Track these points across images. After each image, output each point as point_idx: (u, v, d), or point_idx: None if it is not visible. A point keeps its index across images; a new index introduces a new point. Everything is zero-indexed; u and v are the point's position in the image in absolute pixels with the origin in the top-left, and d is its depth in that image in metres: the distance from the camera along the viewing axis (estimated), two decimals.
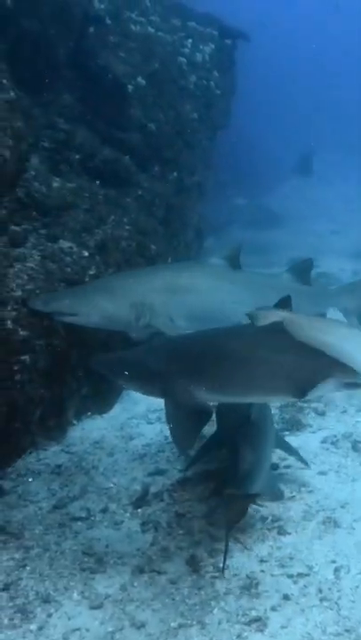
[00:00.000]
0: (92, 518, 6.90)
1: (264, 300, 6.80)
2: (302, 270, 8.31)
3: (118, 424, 8.83)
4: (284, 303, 5.98)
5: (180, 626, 5.45)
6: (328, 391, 6.06)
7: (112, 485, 7.47)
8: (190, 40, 13.05)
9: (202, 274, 7.87)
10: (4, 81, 7.93)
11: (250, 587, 5.80)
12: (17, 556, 6.36)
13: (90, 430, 8.69)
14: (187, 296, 7.48)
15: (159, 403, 8.71)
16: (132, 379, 6.44)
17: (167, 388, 6.14)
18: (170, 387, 6.12)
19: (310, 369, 5.80)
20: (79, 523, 6.84)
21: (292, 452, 7.65)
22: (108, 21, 11.32)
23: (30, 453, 8.13)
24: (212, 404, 6.37)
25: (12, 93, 8.14)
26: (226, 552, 5.89)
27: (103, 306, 7.19)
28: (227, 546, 5.89)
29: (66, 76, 10.87)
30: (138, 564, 6.16)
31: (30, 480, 7.61)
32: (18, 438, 7.81)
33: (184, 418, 5.97)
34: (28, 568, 6.18)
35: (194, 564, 6.09)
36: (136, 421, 8.91)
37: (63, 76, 10.80)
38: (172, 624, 5.47)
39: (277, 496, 7.00)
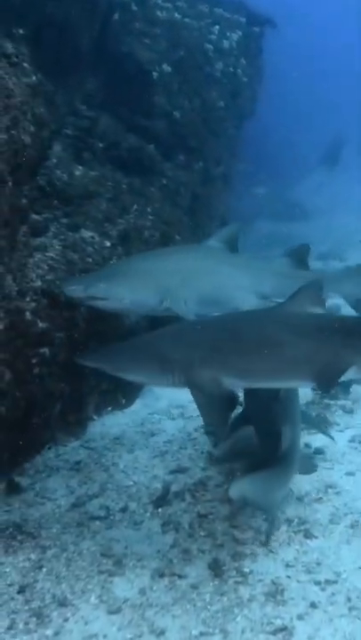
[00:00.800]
0: (112, 517, 6.66)
1: (263, 285, 7.34)
2: (300, 255, 8.07)
3: (139, 420, 8.59)
4: (313, 287, 6.09)
5: (202, 634, 5.18)
6: (351, 376, 5.95)
7: (132, 483, 7.23)
8: (217, 27, 12.76)
9: (207, 257, 7.66)
10: (26, 64, 7.68)
11: (275, 593, 5.52)
12: (33, 556, 6.13)
13: (110, 426, 8.46)
14: (197, 279, 7.23)
15: (181, 398, 8.67)
16: (140, 369, 6.08)
17: (192, 377, 5.82)
18: (195, 376, 5.81)
19: (334, 354, 5.80)
20: (98, 522, 6.60)
21: (318, 427, 7.75)
22: (134, 7, 11.11)
23: (49, 449, 7.92)
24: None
25: (34, 77, 7.89)
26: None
27: (135, 289, 6.91)
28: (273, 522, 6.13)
29: (90, 63, 10.61)
30: (158, 567, 5.91)
31: (49, 477, 7.38)
32: (37, 433, 7.62)
33: (215, 406, 5.77)
34: (44, 569, 5.95)
35: (216, 569, 5.82)
36: (158, 417, 8.67)
37: (87, 63, 10.57)
38: (194, 632, 5.20)
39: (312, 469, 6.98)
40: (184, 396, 8.73)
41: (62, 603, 5.55)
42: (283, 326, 5.97)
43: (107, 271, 7.34)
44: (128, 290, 6.78)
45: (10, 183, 6.61)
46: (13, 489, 7.13)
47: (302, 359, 5.87)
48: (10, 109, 6.30)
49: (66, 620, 5.40)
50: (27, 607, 5.53)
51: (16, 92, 6.52)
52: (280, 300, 6.59)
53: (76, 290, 6.79)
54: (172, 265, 7.25)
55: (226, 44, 12.40)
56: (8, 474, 7.30)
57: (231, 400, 5.79)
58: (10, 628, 5.33)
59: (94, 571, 5.91)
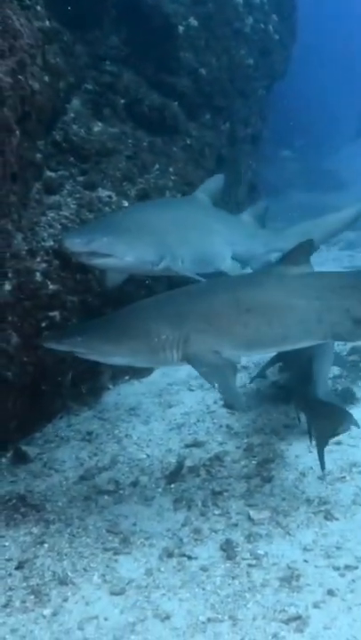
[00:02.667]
0: (121, 492, 6.27)
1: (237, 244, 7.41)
2: (259, 213, 8.06)
3: (157, 390, 8.17)
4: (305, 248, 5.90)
5: (210, 620, 4.76)
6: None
7: (145, 456, 6.83)
8: None
9: (198, 213, 7.31)
10: (39, 8, 7.24)
11: (290, 578, 5.08)
12: (35, 530, 5.76)
13: (126, 396, 8.06)
14: (191, 237, 6.81)
15: None
16: (127, 349, 5.58)
17: (191, 353, 5.47)
18: (192, 350, 5.47)
19: (341, 310, 5.74)
20: (106, 496, 6.21)
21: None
22: None
23: (61, 418, 7.58)
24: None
25: (48, 23, 7.44)
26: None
27: (137, 247, 6.30)
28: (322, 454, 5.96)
29: (113, 16, 10.09)
30: (167, 547, 5.49)
31: (58, 447, 7.01)
32: (47, 401, 7.28)
33: (222, 377, 5.46)
34: (45, 545, 5.57)
35: (229, 550, 5.39)
36: (176, 388, 8.25)
37: (110, 15, 10.04)
38: (201, 617, 4.78)
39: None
40: None
41: (63, 581, 5.18)
42: (286, 289, 5.81)
43: (108, 225, 6.53)
44: (131, 247, 6.18)
45: (17, 132, 6.16)
46: (20, 458, 6.81)
47: (310, 320, 5.72)
48: (16, 51, 5.85)
49: (65, 599, 5.02)
50: (25, 584, 5.17)
51: (24, 33, 6.06)
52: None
53: (78, 243, 6.02)
54: (169, 221, 6.73)
55: None
56: (15, 443, 6.95)
57: (233, 367, 5.58)
58: (5, 605, 4.97)
59: (99, 548, 5.52)
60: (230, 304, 5.68)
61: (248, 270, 7.86)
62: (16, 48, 5.88)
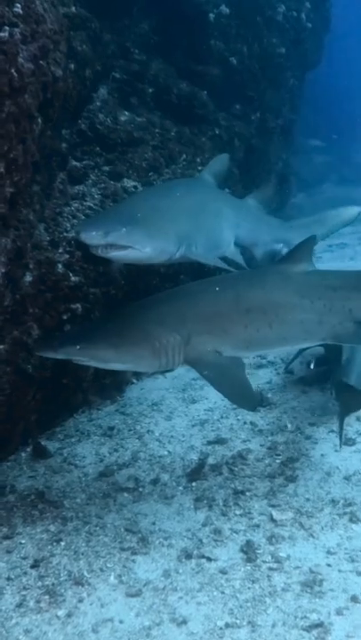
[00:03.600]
0: (141, 490, 6.13)
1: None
2: (265, 197, 7.80)
3: (181, 385, 8.02)
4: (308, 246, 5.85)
5: (228, 625, 4.60)
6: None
7: (166, 453, 6.68)
8: None
9: (208, 196, 7.03)
10: None
11: (313, 583, 4.90)
12: (52, 528, 5.64)
13: (149, 390, 7.92)
14: (202, 222, 6.54)
15: None
16: (128, 355, 5.43)
17: (193, 356, 5.37)
18: (195, 355, 5.37)
19: (341, 312, 5.67)
20: (125, 494, 6.07)
21: None
22: None
23: (82, 412, 7.47)
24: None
25: (74, 8, 7.28)
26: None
27: (156, 237, 5.93)
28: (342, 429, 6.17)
29: (143, 3, 9.90)
30: (186, 547, 5.34)
31: (79, 442, 6.90)
32: (67, 395, 7.16)
33: (228, 379, 5.39)
34: (62, 543, 5.45)
35: (249, 552, 5.23)
36: (201, 383, 8.05)
37: (140, 3, 9.85)
38: (219, 622, 4.63)
39: None
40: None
41: (78, 581, 5.06)
42: (287, 289, 5.70)
43: (124, 214, 6.01)
44: (150, 238, 5.82)
45: (39, 120, 6.00)
46: (40, 453, 6.69)
47: (311, 321, 5.65)
48: (38, 37, 5.68)
49: (80, 600, 4.90)
50: (40, 583, 5.06)
51: (47, 18, 5.89)
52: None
53: (95, 236, 5.61)
54: (181, 206, 6.40)
55: None
56: (36, 437, 6.83)
57: (239, 364, 5.47)
58: (19, 605, 4.87)
59: (116, 547, 5.39)
60: (231, 304, 5.58)
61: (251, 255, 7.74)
62: (39, 33, 5.70)
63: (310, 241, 5.84)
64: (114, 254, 5.72)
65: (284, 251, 7.47)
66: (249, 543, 5.30)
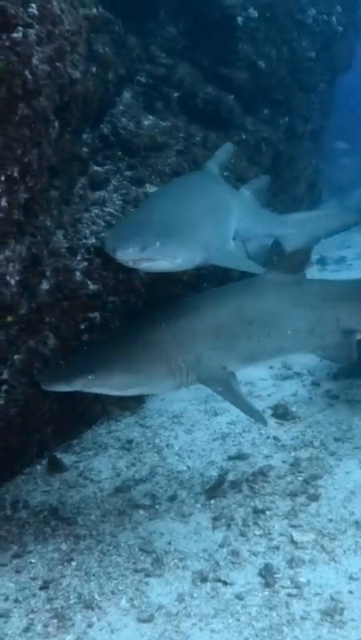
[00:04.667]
0: (157, 507, 5.92)
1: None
2: (259, 188, 7.39)
3: (203, 396, 7.77)
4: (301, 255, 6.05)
5: None
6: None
7: (185, 469, 6.48)
8: None
9: (215, 192, 6.70)
10: None
11: (333, 612, 4.65)
12: (64, 546, 5.45)
13: (170, 402, 7.70)
14: (216, 222, 6.21)
15: (252, 375, 7.85)
16: (143, 380, 5.26)
17: (205, 374, 5.30)
18: (207, 373, 5.30)
19: (330, 322, 5.88)
20: (141, 511, 5.87)
21: None
22: None
23: (101, 424, 7.28)
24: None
25: (95, 10, 7.09)
26: None
27: (186, 246, 5.58)
28: None
29: (170, 7, 9.71)
30: (201, 570, 5.13)
31: (96, 455, 6.71)
32: (85, 406, 6.99)
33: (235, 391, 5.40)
34: (73, 563, 5.26)
35: (268, 576, 5.00)
36: None
37: (167, 7, 9.66)
38: None
39: None
40: (256, 372, 8.03)
41: (88, 604, 4.87)
42: (283, 299, 5.82)
43: (152, 225, 5.57)
44: (180, 248, 5.48)
45: (56, 124, 5.82)
46: (55, 467, 6.52)
47: (304, 331, 5.79)
48: (54, 38, 5.50)
49: (90, 625, 4.71)
50: (48, 606, 4.88)
51: (64, 19, 5.71)
52: None
53: (131, 253, 5.23)
54: (199, 210, 6.05)
55: None
56: (52, 449, 6.65)
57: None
58: (26, 629, 4.69)
59: (129, 569, 5.19)
60: (235, 316, 5.56)
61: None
62: (55, 35, 5.53)
63: (303, 251, 6.04)
64: (144, 266, 5.41)
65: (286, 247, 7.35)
66: (268, 567, 5.07)
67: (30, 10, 5.32)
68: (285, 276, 5.84)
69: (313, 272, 11.89)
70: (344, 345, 6.00)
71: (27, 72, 5.16)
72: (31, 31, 5.26)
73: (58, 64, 5.58)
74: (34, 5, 5.35)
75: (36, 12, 5.36)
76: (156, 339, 5.31)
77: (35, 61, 5.24)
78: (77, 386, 5.06)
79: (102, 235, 6.72)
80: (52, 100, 5.60)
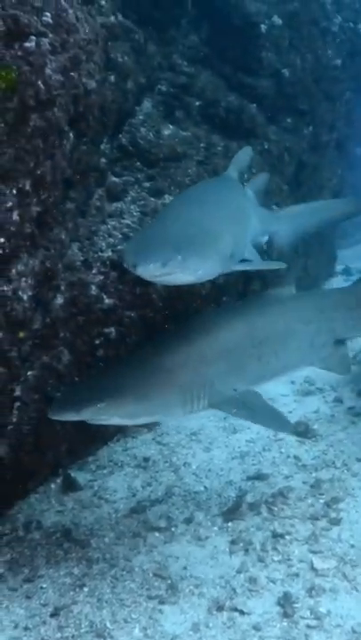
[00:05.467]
0: (173, 530, 5.74)
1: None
2: (259, 188, 7.14)
3: (222, 413, 7.54)
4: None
5: None
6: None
7: (203, 489, 6.29)
8: None
9: (234, 200, 6.39)
10: (103, 2, 6.76)
11: None
12: (76, 570, 5.29)
13: (188, 418, 7.38)
14: (236, 231, 5.83)
15: (273, 391, 7.67)
16: (156, 407, 5.08)
17: (217, 399, 5.15)
18: (220, 397, 5.16)
19: (327, 333, 5.91)
20: (157, 534, 5.70)
21: None
22: None
23: (117, 441, 7.10)
24: None
25: (113, 18, 6.95)
26: None
27: (208, 257, 5.22)
28: None
29: (193, 15, 9.55)
30: (217, 598, 4.94)
31: (111, 473, 6.54)
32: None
33: (259, 409, 5.27)
34: (85, 589, 5.09)
35: (286, 606, 4.79)
36: None
37: (189, 15, 9.50)
38: None
39: None
40: (278, 388, 7.83)
41: (100, 633, 4.71)
42: (287, 315, 5.83)
43: (173, 238, 5.22)
44: (202, 260, 5.13)
45: (71, 135, 5.68)
46: (69, 486, 6.37)
47: (306, 346, 5.83)
48: (69, 47, 5.35)
49: None
50: (59, 635, 4.74)
51: (80, 28, 5.57)
52: None
53: (153, 268, 4.91)
54: (220, 219, 5.71)
55: None
56: (66, 467, 6.49)
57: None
58: None
59: (143, 595, 5.01)
60: (246, 338, 5.48)
61: None
62: (70, 44, 5.38)
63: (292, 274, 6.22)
64: (165, 279, 5.11)
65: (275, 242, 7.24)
66: (286, 595, 4.87)
67: (44, 18, 5.19)
68: (282, 291, 5.93)
69: (338, 282, 11.84)
70: (339, 354, 6.01)
71: (39, 82, 5.03)
72: (45, 40, 5.13)
73: (72, 74, 5.44)
74: (48, 14, 5.23)
75: (51, 21, 5.24)
76: (167, 364, 5.13)
77: (48, 71, 5.11)
78: (87, 415, 4.85)
79: (121, 248, 6.55)
80: (67, 110, 5.46)
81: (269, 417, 5.30)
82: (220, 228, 5.47)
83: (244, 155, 6.81)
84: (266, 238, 6.99)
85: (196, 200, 6.05)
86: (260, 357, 5.43)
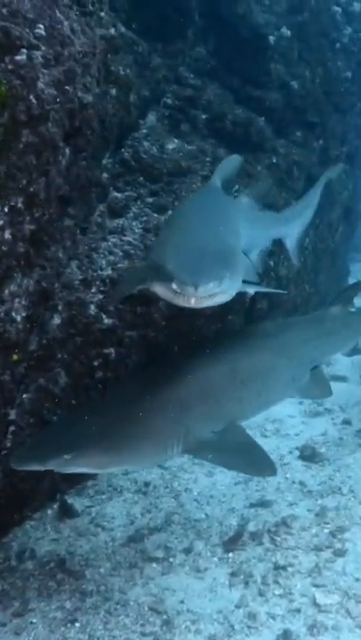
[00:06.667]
0: (171, 560, 5.52)
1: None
2: (259, 193, 6.90)
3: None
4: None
5: None
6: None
7: (203, 517, 6.07)
8: None
9: (229, 214, 5.85)
10: (103, 14, 6.56)
11: None
12: (69, 604, 5.06)
13: None
14: (238, 248, 5.36)
15: (280, 412, 7.45)
16: (128, 456, 4.75)
17: (194, 446, 4.85)
18: (196, 443, 4.86)
19: (306, 364, 5.82)
20: (154, 564, 5.48)
21: None
22: None
23: None
24: None
25: (113, 30, 6.76)
26: None
27: (237, 277, 4.80)
28: None
29: (199, 27, 9.40)
30: (215, 635, 4.72)
31: (110, 500, 6.31)
32: None
33: (237, 451, 4.99)
34: (77, 625, 4.86)
35: None
36: (250, 433, 7.38)
37: (196, 26, 9.35)
38: None
39: None
40: (285, 409, 7.61)
41: None
42: (270, 352, 5.66)
43: (215, 253, 4.72)
44: (234, 280, 4.71)
45: (67, 151, 5.50)
46: (66, 512, 6.14)
47: (288, 380, 5.68)
48: (63, 60, 5.17)
49: None
50: None
51: (75, 40, 5.39)
52: None
53: (212, 287, 4.40)
54: (231, 235, 5.27)
55: (357, 6, 10.80)
56: (63, 494, 6.28)
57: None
58: None
59: (136, 632, 4.79)
60: (227, 379, 5.25)
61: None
62: (64, 56, 5.20)
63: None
64: (208, 302, 4.57)
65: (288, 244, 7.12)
66: (286, 633, 4.65)
67: (37, 31, 5.02)
68: (270, 324, 5.85)
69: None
70: (318, 380, 5.88)
71: (31, 96, 4.86)
72: (37, 53, 4.96)
73: (67, 87, 5.27)
74: (41, 26, 5.06)
75: (44, 33, 5.06)
76: (140, 411, 4.79)
77: (40, 85, 4.94)
78: (52, 465, 4.52)
79: (160, 265, 5.70)
80: (62, 125, 5.29)
81: (250, 460, 4.93)
82: (234, 249, 5.14)
83: (230, 163, 6.48)
84: (270, 242, 6.78)
85: (199, 214, 5.70)
86: (240, 399, 5.21)
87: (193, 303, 4.46)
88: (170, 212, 7.08)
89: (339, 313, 6.40)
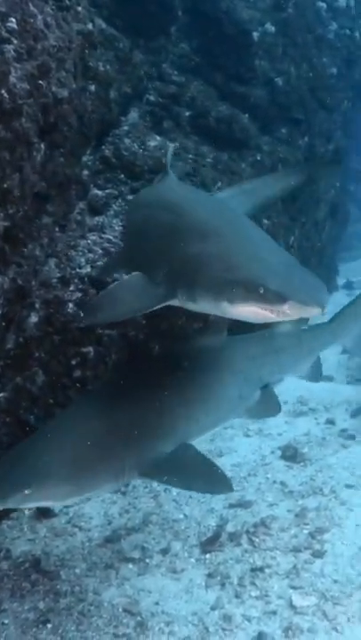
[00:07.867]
0: (148, 561, 5.45)
1: None
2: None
3: (209, 434, 7.24)
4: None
5: None
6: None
7: (182, 517, 5.99)
8: None
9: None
10: (80, 9, 6.47)
11: None
12: (42, 605, 5.00)
13: None
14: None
15: None
16: (88, 486, 4.53)
17: (147, 470, 4.64)
18: (149, 467, 4.65)
19: (255, 382, 5.57)
20: (130, 565, 5.41)
21: None
22: None
23: None
24: None
25: (90, 25, 6.69)
26: None
27: None
28: None
29: (183, 23, 9.33)
30: (189, 637, 4.64)
31: (88, 499, 6.21)
32: None
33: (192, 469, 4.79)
34: (49, 626, 4.80)
35: None
36: (231, 432, 7.38)
37: (179, 23, 9.29)
38: None
39: None
40: None
41: None
42: (218, 368, 5.37)
43: (301, 270, 4.40)
44: None
45: (42, 146, 5.43)
46: (43, 512, 6.05)
47: (234, 397, 5.39)
48: (37, 54, 5.11)
49: None
50: None
51: (49, 34, 5.32)
52: None
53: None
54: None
55: (342, 2, 10.76)
56: None
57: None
58: None
59: (109, 633, 4.74)
60: (174, 398, 4.97)
61: None
62: (37, 51, 5.13)
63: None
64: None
65: None
66: (261, 636, 4.57)
67: (9, 24, 4.96)
68: (212, 340, 5.46)
69: (340, 297, 11.54)
70: (267, 399, 5.61)
71: (3, 91, 4.78)
72: (9, 47, 4.90)
73: (41, 82, 5.19)
74: (13, 20, 4.98)
75: (16, 27, 5.00)
76: (95, 435, 4.58)
77: (12, 79, 4.87)
78: (13, 503, 4.29)
79: (261, 284, 4.76)
80: (35, 120, 5.21)
81: (205, 478, 4.78)
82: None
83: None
84: None
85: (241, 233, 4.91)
86: (187, 418, 5.01)
87: (279, 317, 4.15)
88: None
89: (289, 331, 5.95)
